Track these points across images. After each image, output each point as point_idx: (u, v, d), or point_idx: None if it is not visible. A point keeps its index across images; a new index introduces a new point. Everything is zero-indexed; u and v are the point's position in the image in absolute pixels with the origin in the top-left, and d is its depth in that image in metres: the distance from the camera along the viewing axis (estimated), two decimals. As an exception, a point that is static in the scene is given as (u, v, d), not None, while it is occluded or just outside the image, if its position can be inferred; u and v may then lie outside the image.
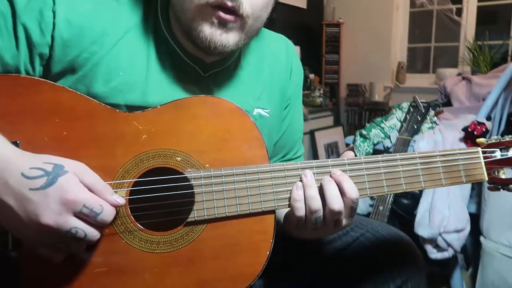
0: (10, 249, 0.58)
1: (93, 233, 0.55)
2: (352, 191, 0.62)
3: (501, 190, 0.72)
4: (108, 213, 0.56)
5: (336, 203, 0.62)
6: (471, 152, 0.70)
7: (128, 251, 0.61)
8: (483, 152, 0.71)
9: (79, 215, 0.53)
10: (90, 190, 0.55)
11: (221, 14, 0.61)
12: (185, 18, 0.64)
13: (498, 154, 0.70)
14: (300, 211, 0.63)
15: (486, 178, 0.70)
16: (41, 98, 0.61)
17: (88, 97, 0.63)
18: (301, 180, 0.64)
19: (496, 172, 0.70)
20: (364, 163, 0.66)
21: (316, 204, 0.62)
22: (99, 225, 0.56)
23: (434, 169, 0.68)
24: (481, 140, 0.73)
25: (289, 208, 0.65)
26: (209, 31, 0.63)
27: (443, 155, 0.69)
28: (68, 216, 0.52)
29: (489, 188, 0.73)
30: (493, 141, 0.71)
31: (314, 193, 0.62)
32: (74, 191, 0.53)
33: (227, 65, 0.75)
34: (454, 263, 1.69)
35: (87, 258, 0.60)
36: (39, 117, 0.60)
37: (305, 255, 0.82)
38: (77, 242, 0.55)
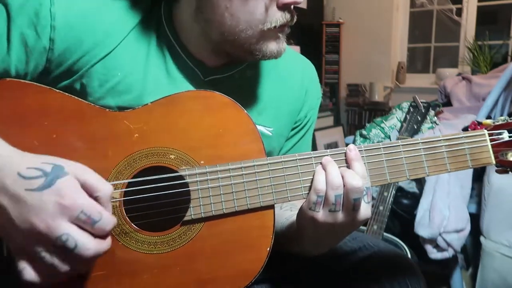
0: (6, 256, 0.57)
1: (85, 245, 0.49)
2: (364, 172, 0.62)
3: (510, 173, 0.68)
4: (107, 221, 0.51)
5: (356, 179, 0.60)
6: (476, 135, 0.67)
7: (126, 253, 0.61)
8: (490, 135, 0.67)
9: (75, 222, 0.49)
10: (90, 194, 0.51)
11: (286, 29, 0.67)
12: (243, 41, 0.64)
13: (506, 136, 0.66)
14: (320, 184, 0.60)
15: (494, 162, 0.67)
16: (29, 101, 0.59)
17: (76, 97, 0.61)
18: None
19: (504, 154, 0.66)
20: (365, 150, 0.64)
21: (337, 180, 0.60)
22: (96, 234, 0.51)
23: (438, 155, 0.66)
24: (487, 121, 0.69)
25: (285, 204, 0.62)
26: (276, 46, 0.66)
27: (447, 139, 0.66)
28: (61, 221, 0.48)
29: (497, 171, 0.69)
30: (500, 122, 0.68)
31: (335, 170, 0.61)
32: (73, 195, 0.49)
33: (229, 74, 0.74)
34: (454, 263, 1.69)
35: None
36: (27, 121, 0.58)
37: (303, 265, 0.81)
38: (64, 254, 0.50)
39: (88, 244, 0.50)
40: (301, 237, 0.67)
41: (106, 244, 0.53)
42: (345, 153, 0.63)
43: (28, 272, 0.50)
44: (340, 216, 0.61)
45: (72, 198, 0.49)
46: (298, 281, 0.82)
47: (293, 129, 0.84)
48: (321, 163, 0.63)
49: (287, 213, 0.77)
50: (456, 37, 3.46)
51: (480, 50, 3.16)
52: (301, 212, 0.65)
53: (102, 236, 0.52)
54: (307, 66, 0.86)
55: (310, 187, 0.63)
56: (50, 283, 0.51)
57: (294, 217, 0.72)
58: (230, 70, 0.74)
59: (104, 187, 0.52)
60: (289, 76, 0.81)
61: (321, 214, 0.61)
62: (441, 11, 3.54)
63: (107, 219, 0.51)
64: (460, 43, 3.44)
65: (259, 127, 0.65)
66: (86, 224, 0.50)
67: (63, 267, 0.50)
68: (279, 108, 0.79)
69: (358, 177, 0.60)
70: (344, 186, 0.60)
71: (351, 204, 0.60)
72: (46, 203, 0.48)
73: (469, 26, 3.37)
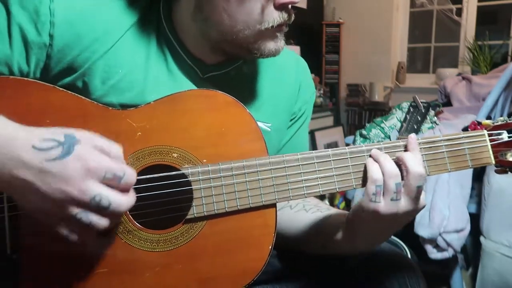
0: (9, 254, 0.57)
1: (117, 201, 0.52)
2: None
3: (509, 173, 0.69)
4: (130, 176, 0.53)
5: (419, 166, 0.61)
6: (476, 136, 0.68)
7: (128, 250, 0.61)
8: (489, 135, 0.68)
9: (103, 182, 0.51)
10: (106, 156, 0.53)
11: (284, 27, 0.67)
12: (241, 40, 0.65)
13: (505, 136, 0.67)
14: (376, 174, 0.61)
15: (493, 162, 0.67)
16: (31, 100, 0.59)
17: (79, 96, 0.62)
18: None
19: (503, 154, 0.67)
20: (366, 151, 0.64)
21: (394, 168, 0.61)
22: (122, 190, 0.53)
23: (439, 155, 0.66)
24: (487, 122, 0.70)
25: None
26: (274, 45, 0.67)
27: (448, 140, 0.67)
28: (91, 183, 0.50)
29: (497, 171, 0.70)
30: (500, 122, 0.69)
31: (389, 160, 0.62)
32: (95, 158, 0.51)
33: (226, 70, 0.74)
34: (454, 263, 1.69)
35: (88, 259, 0.60)
36: (29, 120, 0.57)
37: (303, 265, 0.81)
38: (100, 212, 0.52)
39: (120, 200, 0.52)
40: (353, 234, 0.68)
41: (133, 196, 0.55)
42: (347, 151, 0.64)
43: (72, 235, 0.53)
44: (402, 204, 0.62)
45: (96, 160, 0.51)
46: (298, 281, 0.82)
47: (289, 120, 0.85)
48: (370, 156, 0.64)
49: (316, 215, 0.77)
50: (456, 37, 3.47)
51: (480, 50, 3.16)
52: (359, 208, 0.65)
53: (127, 190, 0.54)
54: (300, 62, 0.87)
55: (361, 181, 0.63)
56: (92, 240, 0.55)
57: (329, 217, 0.73)
58: (227, 67, 0.74)
59: (115, 148, 0.54)
60: (285, 72, 0.82)
61: (383, 205, 0.61)
62: (441, 11, 3.55)
63: (129, 173, 0.53)
64: (460, 43, 3.44)
65: (257, 123, 0.66)
66: (113, 182, 0.52)
67: (101, 223, 0.52)
68: (277, 105, 0.79)
69: (420, 164, 0.61)
70: (407, 173, 0.61)
71: (414, 191, 0.61)
72: (72, 169, 0.49)
73: (469, 26, 3.37)
